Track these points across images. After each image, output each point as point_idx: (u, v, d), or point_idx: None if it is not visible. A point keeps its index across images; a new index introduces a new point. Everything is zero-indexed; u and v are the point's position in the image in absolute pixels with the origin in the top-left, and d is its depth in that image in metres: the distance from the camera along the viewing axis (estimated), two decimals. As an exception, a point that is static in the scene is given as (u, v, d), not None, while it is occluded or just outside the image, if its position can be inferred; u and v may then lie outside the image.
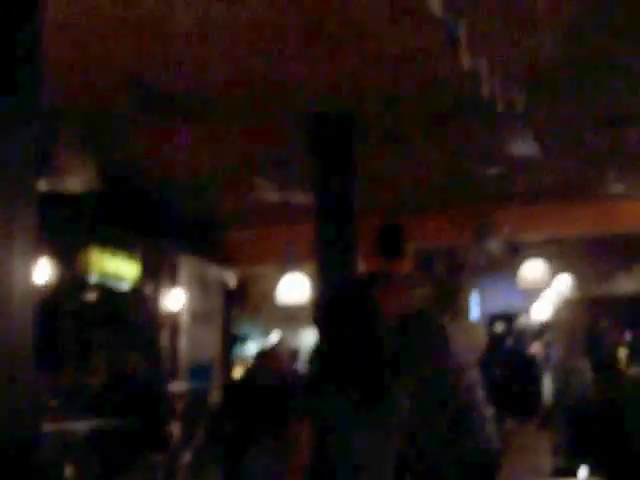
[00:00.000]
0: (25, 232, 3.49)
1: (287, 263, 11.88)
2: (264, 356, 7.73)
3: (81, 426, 7.99)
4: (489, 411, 3.89)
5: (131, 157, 8.64)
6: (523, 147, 6.93)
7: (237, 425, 7.01)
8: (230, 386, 7.84)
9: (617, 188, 9.92)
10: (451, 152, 8.84)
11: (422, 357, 3.97)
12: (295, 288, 11.94)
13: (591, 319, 15.34)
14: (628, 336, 14.20)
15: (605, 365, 12.82)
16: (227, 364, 12.56)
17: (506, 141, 6.90)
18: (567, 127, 8.05)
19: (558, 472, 11.98)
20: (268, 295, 13.20)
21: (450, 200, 11.03)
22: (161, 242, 10.65)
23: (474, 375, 3.86)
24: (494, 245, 11.00)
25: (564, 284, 14.47)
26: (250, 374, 7.84)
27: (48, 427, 7.69)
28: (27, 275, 3.48)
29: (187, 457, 8.97)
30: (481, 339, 6.12)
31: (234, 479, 6.89)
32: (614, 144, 8.65)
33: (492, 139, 7.67)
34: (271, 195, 9.37)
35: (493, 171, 9.07)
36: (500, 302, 18.87)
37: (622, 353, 12.96)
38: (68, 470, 7.79)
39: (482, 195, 10.87)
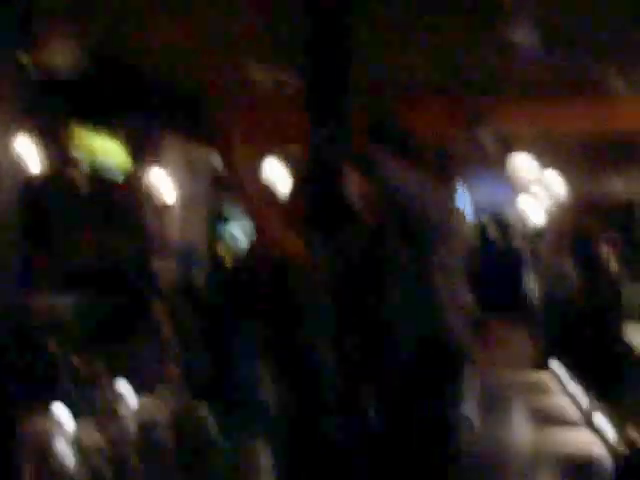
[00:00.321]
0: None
1: (273, 145, 11.79)
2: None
3: (68, 301, 8.04)
4: (461, 300, 3.79)
5: (117, 35, 8.42)
6: (523, 34, 6.76)
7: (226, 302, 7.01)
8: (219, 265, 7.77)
9: (618, 84, 9.70)
10: (448, 39, 8.64)
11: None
12: (279, 169, 11.88)
13: (581, 220, 15.37)
14: (617, 239, 14.23)
15: (591, 266, 12.88)
16: (213, 246, 12.55)
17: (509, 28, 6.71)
18: (568, 17, 7.84)
19: (533, 365, 12.24)
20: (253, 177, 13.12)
21: (443, 88, 10.84)
22: (148, 123, 10.48)
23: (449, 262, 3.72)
24: (486, 137, 10.87)
25: (555, 183, 14.38)
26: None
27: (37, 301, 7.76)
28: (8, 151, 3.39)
29: (171, 334, 9.04)
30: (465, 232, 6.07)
31: (218, 354, 6.91)
32: (615, 35, 8.44)
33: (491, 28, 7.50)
34: (259, 75, 9.19)
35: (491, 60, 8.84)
36: (489, 199, 18.86)
37: (609, 255, 13.00)
38: (52, 343, 7.86)
39: (477, 85, 10.68)
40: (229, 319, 7.03)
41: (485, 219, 20.15)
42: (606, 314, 8.08)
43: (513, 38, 8.00)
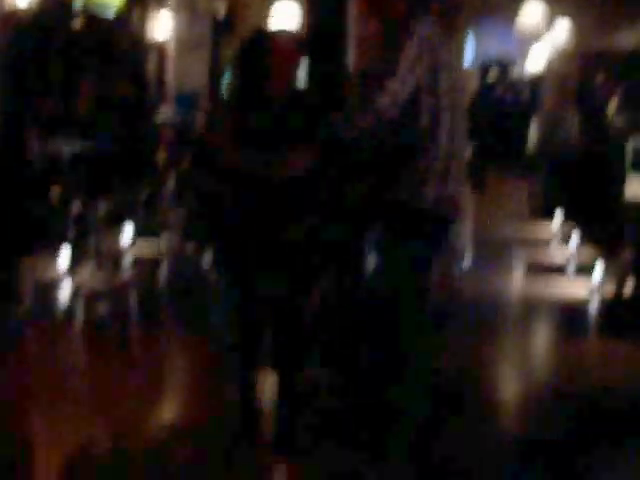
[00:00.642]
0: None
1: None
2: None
3: (69, 148, 8.03)
4: (458, 155, 3.83)
5: None
6: None
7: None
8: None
9: None
10: None
11: None
12: (286, 16, 11.60)
13: (585, 71, 15.18)
14: (621, 90, 14.06)
15: (593, 116, 12.80)
16: (214, 95, 12.42)
17: None
18: None
19: (535, 216, 12.30)
20: (257, 25, 12.86)
21: None
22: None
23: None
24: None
25: (562, 32, 14.13)
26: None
27: (38, 147, 7.78)
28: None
29: (171, 183, 9.08)
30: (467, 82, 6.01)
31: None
32: None
33: None
34: None
35: None
36: (495, 48, 18.57)
37: (612, 105, 12.88)
38: (55, 190, 7.91)
39: None
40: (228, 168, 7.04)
41: (491, 67, 19.92)
42: (608, 164, 8.10)
43: None
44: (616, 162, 6.92)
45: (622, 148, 6.67)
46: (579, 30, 14.50)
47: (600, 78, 15.22)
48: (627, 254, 7.04)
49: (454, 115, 3.74)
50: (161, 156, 10.14)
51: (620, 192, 6.71)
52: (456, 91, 3.76)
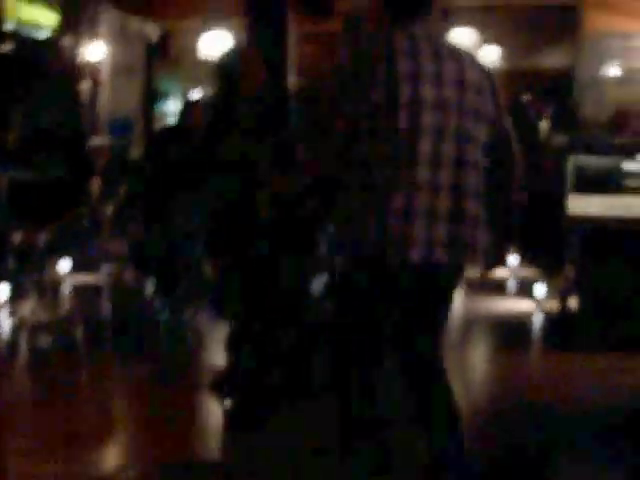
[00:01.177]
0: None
1: (211, 18, 11.53)
2: (191, 107, 7.45)
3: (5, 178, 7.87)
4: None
5: None
6: None
7: (160, 175, 6.91)
8: (155, 137, 7.61)
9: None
10: None
11: None
12: (218, 43, 11.65)
13: (515, 91, 15.42)
14: (550, 109, 14.33)
15: (527, 137, 12.98)
16: (148, 120, 12.33)
17: None
18: None
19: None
20: (190, 50, 12.83)
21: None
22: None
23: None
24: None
25: (491, 55, 14.35)
26: (176, 127, 7.58)
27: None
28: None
29: (109, 211, 8.93)
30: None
31: (161, 229, 6.87)
32: None
33: None
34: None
35: None
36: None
37: (544, 125, 13.10)
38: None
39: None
40: (169, 194, 6.98)
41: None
42: (546, 182, 8.21)
43: None
44: (555, 180, 7.01)
45: (561, 167, 6.75)
46: (506, 52, 14.75)
47: (526, 97, 15.49)
48: (570, 271, 7.11)
49: (443, 138, 3.18)
50: (96, 183, 9.99)
51: (560, 210, 6.78)
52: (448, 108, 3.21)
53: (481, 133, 3.24)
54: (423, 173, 3.11)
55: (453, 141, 3.17)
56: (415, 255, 3.09)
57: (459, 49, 3.37)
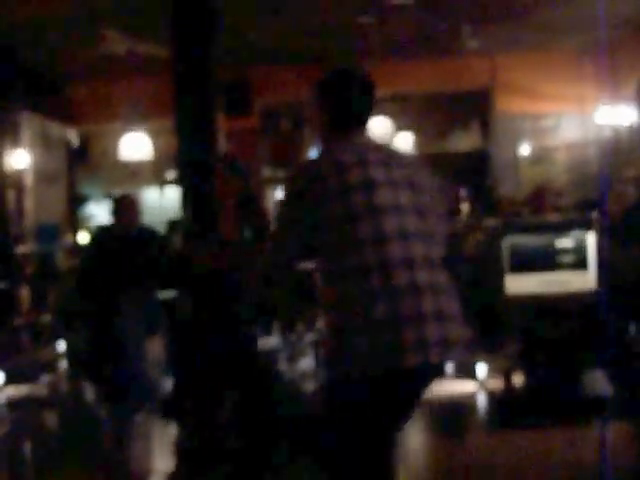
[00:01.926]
0: None
1: (130, 120, 11.60)
2: (121, 203, 7.32)
3: None
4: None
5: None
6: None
7: (108, 279, 6.83)
8: (95, 238, 7.49)
9: (471, 44, 10.01)
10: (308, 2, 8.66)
11: None
12: (137, 145, 11.73)
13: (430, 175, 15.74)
14: (464, 192, 14.65)
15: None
16: (74, 225, 12.23)
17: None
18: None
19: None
20: (110, 154, 12.87)
21: (299, 52, 10.87)
22: (3, 99, 10.06)
23: None
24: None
25: (405, 141, 14.70)
26: (111, 226, 7.47)
27: None
28: None
29: (46, 319, 8.78)
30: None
31: (104, 335, 6.76)
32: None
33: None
34: (120, 47, 8.95)
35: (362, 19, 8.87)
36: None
37: (464, 207, 13.38)
38: None
39: (332, 49, 10.76)
40: (107, 298, 6.91)
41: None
42: (483, 262, 8.37)
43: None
44: (492, 260, 7.16)
45: (497, 247, 6.90)
46: (420, 137, 15.14)
47: (442, 182, 15.82)
48: (511, 348, 7.22)
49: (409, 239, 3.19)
50: (23, 291, 9.85)
51: (497, 290, 6.91)
52: None
53: (440, 231, 3.31)
54: (401, 275, 3.09)
55: (420, 241, 3.18)
56: (411, 361, 3.06)
57: (404, 154, 3.49)
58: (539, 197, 9.08)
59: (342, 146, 3.26)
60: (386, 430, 3.28)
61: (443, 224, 3.35)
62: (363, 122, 3.36)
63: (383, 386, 3.11)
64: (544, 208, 8.84)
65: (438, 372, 3.27)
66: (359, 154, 3.21)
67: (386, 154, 3.30)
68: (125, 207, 7.18)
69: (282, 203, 3.29)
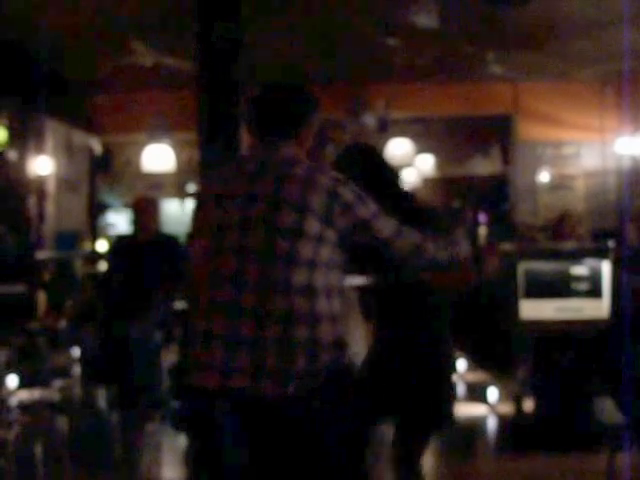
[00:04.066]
0: None
1: (154, 132, 11.70)
2: (137, 205, 7.32)
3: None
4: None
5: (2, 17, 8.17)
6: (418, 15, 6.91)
7: (123, 285, 6.88)
8: (114, 247, 7.53)
9: (494, 70, 10.07)
10: (333, 23, 8.73)
11: None
12: (160, 157, 11.83)
13: (448, 198, 15.81)
14: (482, 216, 14.70)
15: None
16: (93, 233, 12.33)
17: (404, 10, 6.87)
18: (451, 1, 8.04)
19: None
20: (132, 164, 12.99)
21: (324, 72, 10.97)
22: (28, 106, 10.17)
23: None
24: (368, 121, 11.07)
25: (426, 164, 14.77)
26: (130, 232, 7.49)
27: None
28: None
29: (62, 324, 8.84)
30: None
31: (118, 340, 6.80)
32: (496, 24, 8.74)
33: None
34: (147, 59, 9.06)
35: (388, 41, 8.94)
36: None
37: (482, 232, 13.42)
38: None
39: (358, 70, 10.85)
40: (124, 305, 6.96)
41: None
42: (496, 287, 8.39)
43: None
44: (506, 285, 7.18)
45: (512, 272, 6.93)
46: (440, 160, 15.21)
47: (460, 205, 15.89)
48: (523, 373, 7.24)
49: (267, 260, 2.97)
50: (40, 297, 9.93)
51: (512, 315, 6.93)
52: None
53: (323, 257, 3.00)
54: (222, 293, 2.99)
55: (282, 264, 2.95)
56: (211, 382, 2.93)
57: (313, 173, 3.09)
58: (562, 223, 9.10)
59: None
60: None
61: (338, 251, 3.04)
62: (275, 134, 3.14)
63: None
64: (567, 235, 8.85)
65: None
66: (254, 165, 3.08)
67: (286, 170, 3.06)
68: (141, 209, 7.17)
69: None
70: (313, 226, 2.96)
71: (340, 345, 3.00)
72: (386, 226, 3.10)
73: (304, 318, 2.92)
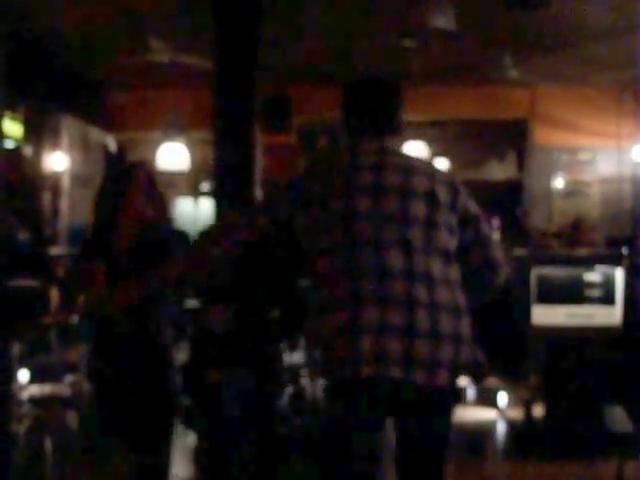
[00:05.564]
0: None
1: (169, 130, 11.72)
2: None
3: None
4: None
5: (20, 16, 8.19)
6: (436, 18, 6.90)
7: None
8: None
9: (511, 74, 10.03)
10: (352, 21, 8.71)
11: None
12: (174, 155, 11.84)
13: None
14: (496, 221, 14.64)
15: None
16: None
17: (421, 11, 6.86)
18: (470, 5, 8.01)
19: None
20: (147, 162, 12.99)
21: (340, 73, 10.95)
22: (44, 102, 10.20)
23: None
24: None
25: (441, 167, 14.73)
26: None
27: None
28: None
29: (74, 320, 8.85)
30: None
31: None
32: (514, 27, 8.72)
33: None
34: (164, 57, 9.07)
35: (404, 42, 8.91)
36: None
37: (495, 236, 13.36)
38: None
39: (374, 72, 10.82)
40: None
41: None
42: (509, 292, 8.38)
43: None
44: (520, 290, 7.17)
45: (525, 277, 6.92)
46: (455, 164, 15.17)
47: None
48: (534, 379, 7.23)
49: (409, 251, 3.04)
50: (53, 292, 9.93)
51: (524, 320, 6.93)
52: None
53: (451, 247, 3.11)
54: (395, 285, 2.97)
55: (421, 254, 3.03)
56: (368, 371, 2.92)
57: (428, 164, 3.33)
58: (576, 230, 9.08)
59: (358, 148, 3.26)
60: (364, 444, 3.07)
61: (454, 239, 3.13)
62: (386, 130, 3.29)
63: (347, 396, 2.98)
64: (581, 241, 8.83)
65: (430, 394, 3.01)
66: (375, 158, 3.18)
67: (407, 160, 3.23)
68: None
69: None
70: (443, 216, 3.10)
71: (474, 339, 3.11)
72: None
73: (456, 311, 3.02)
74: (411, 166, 3.16)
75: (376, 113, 3.30)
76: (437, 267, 3.03)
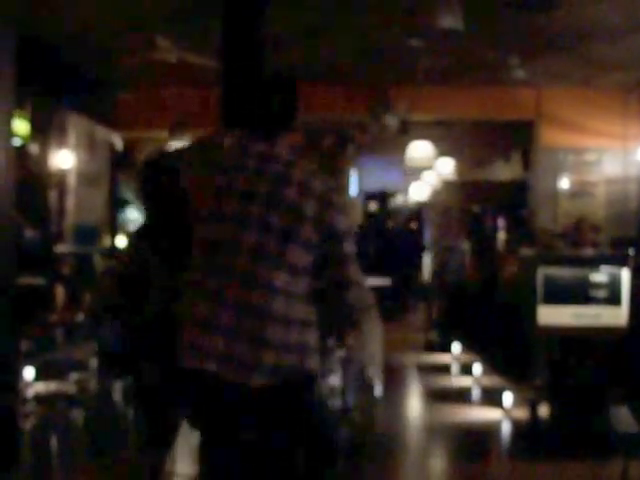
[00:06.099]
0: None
1: (176, 129, 11.73)
2: None
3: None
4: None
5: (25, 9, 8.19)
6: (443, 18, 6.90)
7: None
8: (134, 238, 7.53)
9: (518, 74, 10.04)
10: (356, 24, 8.73)
11: None
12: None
13: (467, 202, 15.81)
14: (502, 221, 14.69)
15: (484, 247, 13.27)
16: (113, 228, 12.38)
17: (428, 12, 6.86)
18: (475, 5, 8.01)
19: (432, 346, 12.53)
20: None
21: (347, 72, 10.97)
22: (51, 100, 10.22)
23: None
24: (391, 122, 11.06)
25: (446, 167, 14.75)
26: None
27: None
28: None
29: (80, 318, 8.87)
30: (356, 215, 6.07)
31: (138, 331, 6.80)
32: (521, 28, 8.72)
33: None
34: (171, 56, 9.08)
35: (411, 42, 8.91)
36: (377, 182, 19.21)
37: (501, 237, 13.39)
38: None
39: (379, 70, 10.85)
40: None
41: (372, 205, 20.51)
42: (516, 292, 8.40)
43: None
44: (525, 290, 7.18)
45: (531, 277, 6.92)
46: (461, 164, 15.18)
47: (477, 208, 15.90)
48: (539, 379, 7.23)
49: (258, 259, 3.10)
50: (59, 290, 9.95)
51: (530, 320, 6.93)
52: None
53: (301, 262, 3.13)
54: (232, 288, 3.11)
55: (269, 264, 3.08)
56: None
57: (310, 173, 3.21)
58: (579, 230, 9.09)
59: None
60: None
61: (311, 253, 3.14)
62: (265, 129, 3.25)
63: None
64: (583, 241, 8.85)
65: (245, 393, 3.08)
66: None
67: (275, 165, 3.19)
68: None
69: None
70: (303, 231, 3.11)
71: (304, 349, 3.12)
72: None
73: (280, 319, 3.07)
74: (287, 176, 3.15)
75: (264, 111, 3.29)
76: (282, 278, 3.08)
